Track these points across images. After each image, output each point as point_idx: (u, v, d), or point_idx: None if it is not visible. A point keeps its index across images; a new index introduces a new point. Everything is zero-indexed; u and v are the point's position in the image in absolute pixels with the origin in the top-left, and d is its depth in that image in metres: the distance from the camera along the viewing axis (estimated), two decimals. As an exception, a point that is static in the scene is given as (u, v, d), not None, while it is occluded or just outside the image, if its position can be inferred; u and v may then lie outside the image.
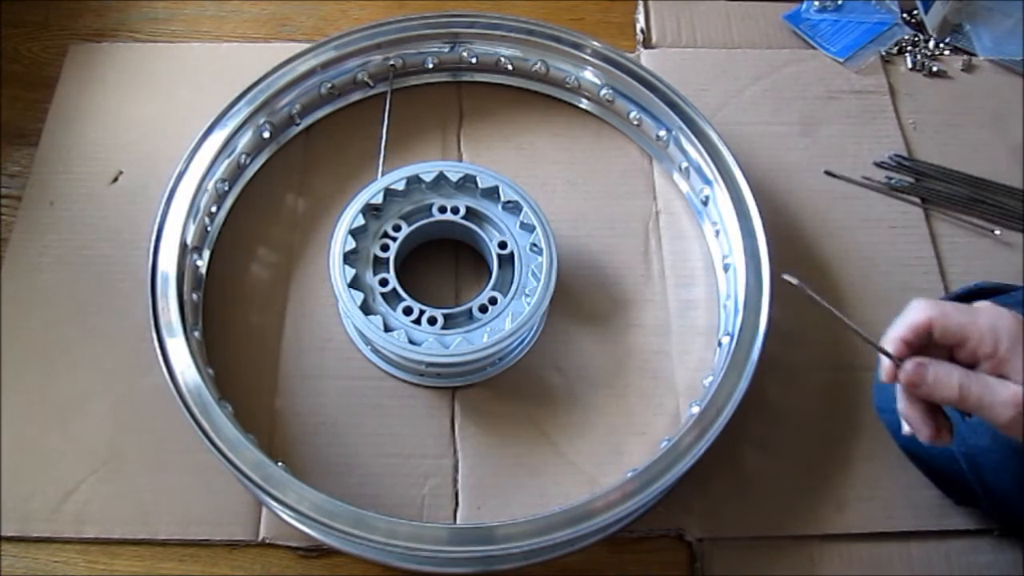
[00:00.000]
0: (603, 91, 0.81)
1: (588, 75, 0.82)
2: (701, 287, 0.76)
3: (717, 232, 0.75)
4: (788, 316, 0.70)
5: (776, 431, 0.69)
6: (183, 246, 0.69)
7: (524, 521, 0.59)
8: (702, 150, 0.75)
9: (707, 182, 0.76)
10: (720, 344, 0.70)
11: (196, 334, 0.69)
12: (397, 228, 0.72)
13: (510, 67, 0.83)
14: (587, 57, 0.81)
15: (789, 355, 0.72)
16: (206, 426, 0.61)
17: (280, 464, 0.61)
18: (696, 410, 0.64)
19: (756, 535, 0.67)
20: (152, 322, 0.65)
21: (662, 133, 0.79)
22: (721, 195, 0.74)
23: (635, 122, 0.81)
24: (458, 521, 0.66)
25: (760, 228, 0.71)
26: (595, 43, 0.80)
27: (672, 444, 0.62)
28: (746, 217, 0.72)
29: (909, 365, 0.48)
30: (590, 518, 0.59)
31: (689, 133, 0.76)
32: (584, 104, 0.84)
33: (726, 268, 0.74)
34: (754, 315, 0.67)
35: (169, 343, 0.65)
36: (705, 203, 0.77)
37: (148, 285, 0.67)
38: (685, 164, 0.78)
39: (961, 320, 0.47)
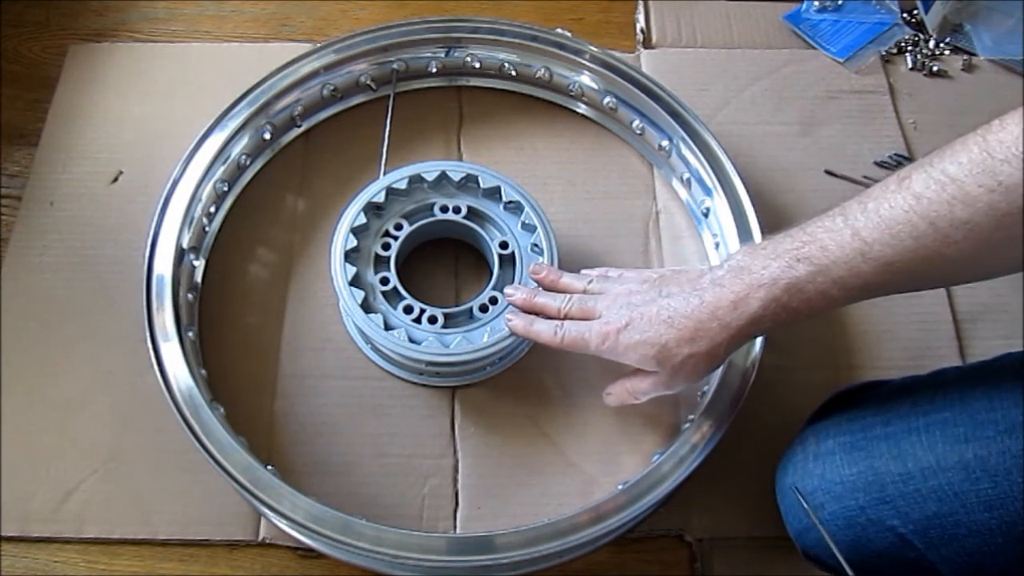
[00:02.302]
0: (606, 99, 0.81)
1: (590, 82, 0.82)
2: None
3: (717, 244, 0.75)
4: (786, 327, 0.70)
5: (774, 435, 0.69)
6: (179, 248, 0.69)
7: (513, 532, 0.59)
8: (703, 160, 0.75)
9: (708, 193, 0.75)
10: None
11: (191, 335, 0.69)
12: (399, 227, 0.72)
13: (513, 72, 0.83)
14: (589, 64, 0.80)
15: (786, 365, 0.72)
16: (196, 428, 0.61)
17: (270, 468, 0.61)
18: (689, 424, 0.64)
19: (756, 535, 0.67)
20: (146, 325, 0.65)
21: (664, 143, 0.79)
22: (721, 206, 0.73)
23: (638, 131, 0.80)
24: (458, 521, 0.66)
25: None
26: (597, 50, 0.80)
27: (662, 459, 0.62)
28: (746, 230, 0.72)
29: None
30: (575, 532, 0.59)
31: (691, 143, 0.76)
32: (586, 111, 0.84)
33: None
34: None
35: (163, 346, 0.65)
36: (706, 215, 0.76)
37: (143, 288, 0.67)
38: (687, 175, 0.78)
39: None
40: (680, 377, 0.58)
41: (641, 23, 0.91)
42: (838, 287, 0.50)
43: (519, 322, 0.64)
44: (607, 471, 0.68)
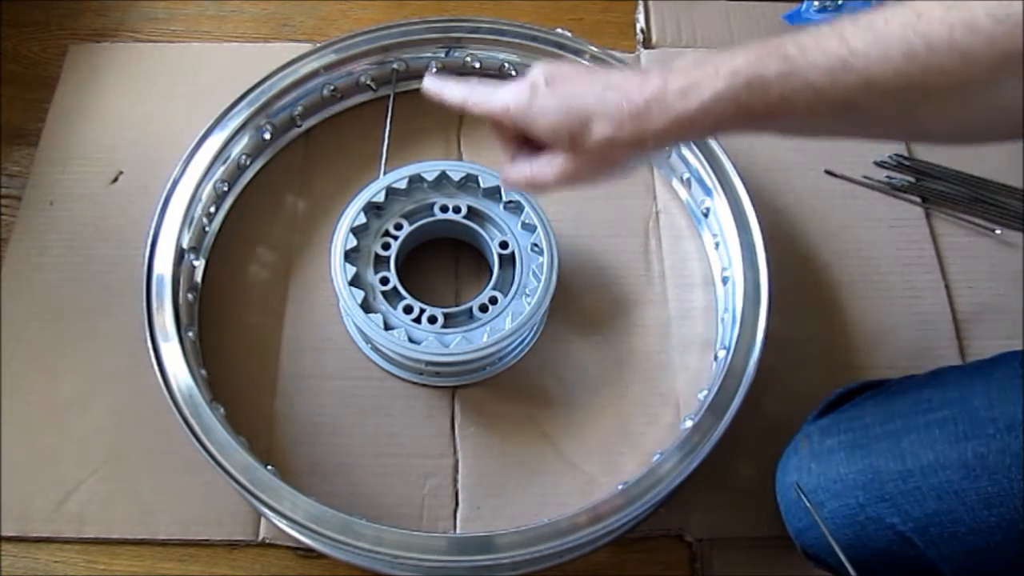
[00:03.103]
0: (606, 98, 0.81)
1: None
2: (701, 287, 0.76)
3: (717, 244, 0.75)
4: (787, 327, 0.71)
5: (774, 435, 0.69)
6: (179, 248, 0.70)
7: (513, 532, 0.59)
8: (703, 160, 0.75)
9: (708, 193, 0.75)
10: (716, 357, 0.70)
11: (191, 335, 0.69)
12: (399, 227, 0.72)
13: (513, 73, 0.83)
14: (589, 64, 0.80)
15: (786, 365, 0.72)
16: (196, 428, 0.62)
17: (270, 468, 0.61)
18: (689, 424, 0.64)
19: (756, 535, 0.67)
20: (146, 325, 0.65)
21: (664, 143, 0.79)
22: (721, 206, 0.73)
23: (637, 130, 0.80)
24: (458, 521, 0.66)
25: (760, 242, 0.71)
26: (597, 50, 0.80)
27: (662, 459, 0.62)
28: (746, 230, 0.72)
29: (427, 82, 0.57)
30: (575, 532, 0.59)
31: (691, 142, 0.75)
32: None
33: (724, 280, 0.73)
34: (751, 330, 0.67)
35: (163, 346, 0.65)
36: (706, 215, 0.76)
37: (143, 288, 0.67)
38: (687, 175, 0.78)
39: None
40: (591, 166, 0.51)
41: (641, 23, 0.91)
42: (807, 97, 0.44)
43: (431, 81, 0.57)
44: (607, 471, 0.68)
